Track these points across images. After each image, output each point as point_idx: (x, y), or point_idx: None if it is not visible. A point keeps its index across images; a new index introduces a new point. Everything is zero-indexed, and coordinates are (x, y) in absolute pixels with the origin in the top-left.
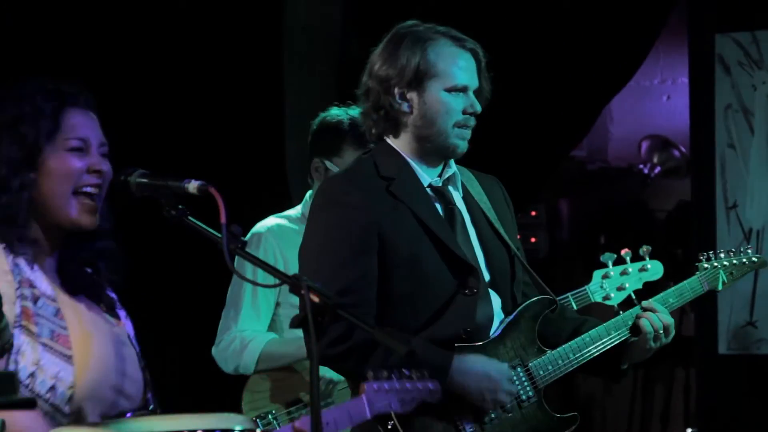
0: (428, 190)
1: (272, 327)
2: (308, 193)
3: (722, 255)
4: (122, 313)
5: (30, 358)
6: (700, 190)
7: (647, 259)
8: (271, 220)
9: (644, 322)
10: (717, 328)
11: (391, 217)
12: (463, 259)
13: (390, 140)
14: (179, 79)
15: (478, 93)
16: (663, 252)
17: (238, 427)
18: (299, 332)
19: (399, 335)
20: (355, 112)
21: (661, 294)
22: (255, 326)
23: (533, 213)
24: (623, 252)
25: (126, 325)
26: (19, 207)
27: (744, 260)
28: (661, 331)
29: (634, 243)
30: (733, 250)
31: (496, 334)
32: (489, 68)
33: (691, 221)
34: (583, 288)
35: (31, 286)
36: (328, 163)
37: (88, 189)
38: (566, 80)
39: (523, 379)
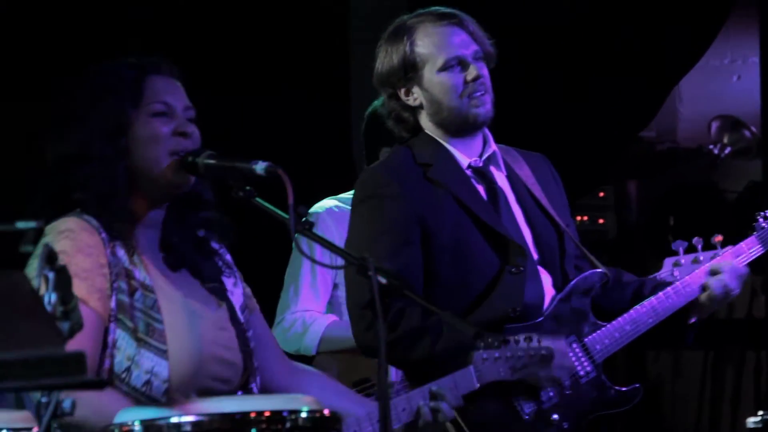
0: (468, 171)
1: (330, 309)
2: None
3: None
4: (230, 282)
5: (125, 353)
6: None
7: (719, 248)
8: (329, 202)
9: (715, 284)
10: None
11: (432, 203)
12: (508, 238)
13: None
14: (245, 59)
15: (481, 57)
16: (733, 233)
17: (305, 408)
18: None
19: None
20: None
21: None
22: (314, 306)
23: (601, 194)
24: (694, 240)
25: (234, 295)
26: (116, 177)
27: None
28: (734, 290)
29: (704, 224)
30: None
31: (548, 311)
32: (484, 29)
33: (761, 202)
34: (653, 276)
35: (129, 277)
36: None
37: (180, 152)
38: (636, 60)
39: (580, 355)
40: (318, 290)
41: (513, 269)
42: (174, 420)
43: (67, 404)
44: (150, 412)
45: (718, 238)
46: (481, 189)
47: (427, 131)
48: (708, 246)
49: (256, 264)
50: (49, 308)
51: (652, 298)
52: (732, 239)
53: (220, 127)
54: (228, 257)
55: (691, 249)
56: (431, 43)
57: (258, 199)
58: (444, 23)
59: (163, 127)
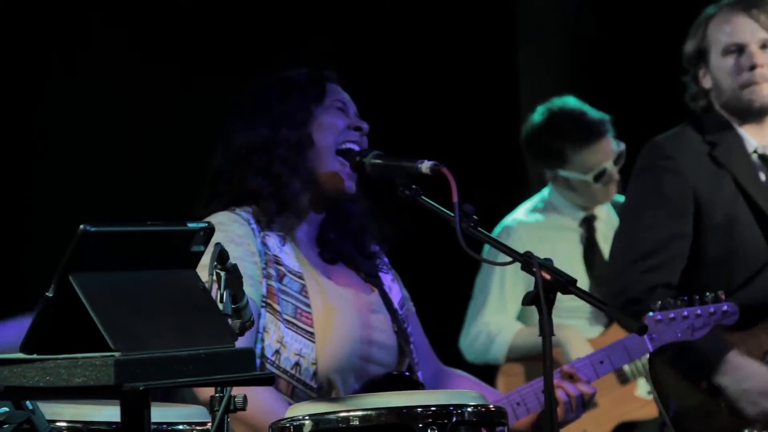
0: (753, 156)
1: (521, 315)
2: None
3: None
4: (387, 277)
5: (274, 336)
6: None
7: None
8: (520, 213)
9: None
10: None
11: (710, 181)
12: None
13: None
14: (413, 60)
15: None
16: None
17: (471, 403)
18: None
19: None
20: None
21: None
22: (501, 318)
23: None
24: None
25: (392, 289)
26: (298, 162)
27: None
28: None
29: None
30: None
31: None
32: None
33: None
34: None
35: (278, 263)
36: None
37: (350, 145)
38: None
39: None
40: (505, 301)
41: None
42: (343, 414)
43: (239, 399)
44: (318, 407)
45: None
46: (761, 174)
47: (718, 110)
48: None
49: (442, 271)
50: (220, 306)
51: None
52: None
53: (388, 128)
54: (386, 261)
55: None
56: (719, 29)
57: (423, 197)
58: (737, 10)
59: (340, 120)
